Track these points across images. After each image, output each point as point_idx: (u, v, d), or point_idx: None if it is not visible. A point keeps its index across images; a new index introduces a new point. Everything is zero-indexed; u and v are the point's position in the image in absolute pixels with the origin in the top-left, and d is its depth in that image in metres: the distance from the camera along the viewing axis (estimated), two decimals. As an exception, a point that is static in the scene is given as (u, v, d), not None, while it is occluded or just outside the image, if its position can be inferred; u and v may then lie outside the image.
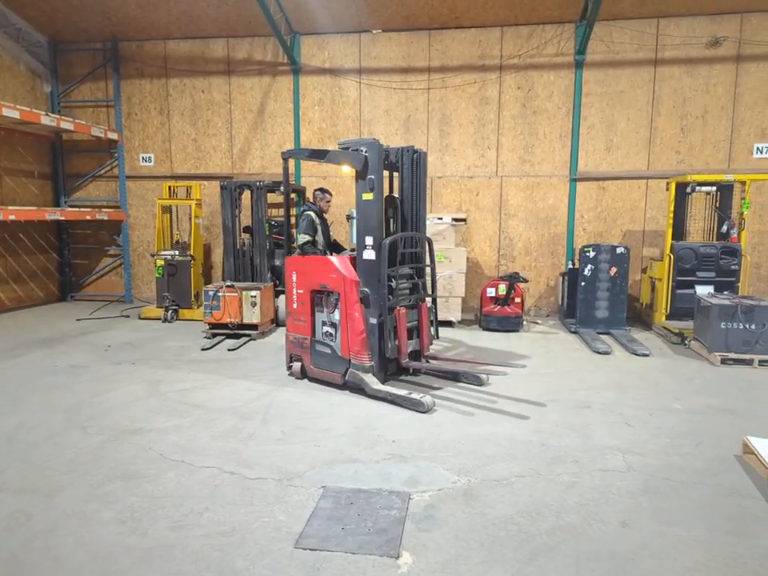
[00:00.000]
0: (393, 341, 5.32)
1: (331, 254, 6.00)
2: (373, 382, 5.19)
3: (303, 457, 3.94)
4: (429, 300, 5.78)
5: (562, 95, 9.14)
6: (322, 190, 6.34)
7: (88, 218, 9.70)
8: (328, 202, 6.38)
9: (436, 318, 5.74)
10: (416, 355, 5.71)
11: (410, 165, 5.55)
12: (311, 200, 6.43)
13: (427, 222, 8.26)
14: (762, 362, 6.30)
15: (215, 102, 10.03)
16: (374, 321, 5.25)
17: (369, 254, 5.23)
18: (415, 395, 4.90)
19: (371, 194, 5.18)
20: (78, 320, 8.82)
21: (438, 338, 5.83)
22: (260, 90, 9.89)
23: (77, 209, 9.93)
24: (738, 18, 8.63)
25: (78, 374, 5.92)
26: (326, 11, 8.90)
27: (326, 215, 6.39)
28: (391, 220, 5.73)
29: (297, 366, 5.76)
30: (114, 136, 10.10)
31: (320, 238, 6.08)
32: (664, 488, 3.53)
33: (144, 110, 10.28)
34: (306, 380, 5.75)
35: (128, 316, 9.11)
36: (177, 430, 4.44)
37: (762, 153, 8.84)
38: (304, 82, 9.74)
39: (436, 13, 8.90)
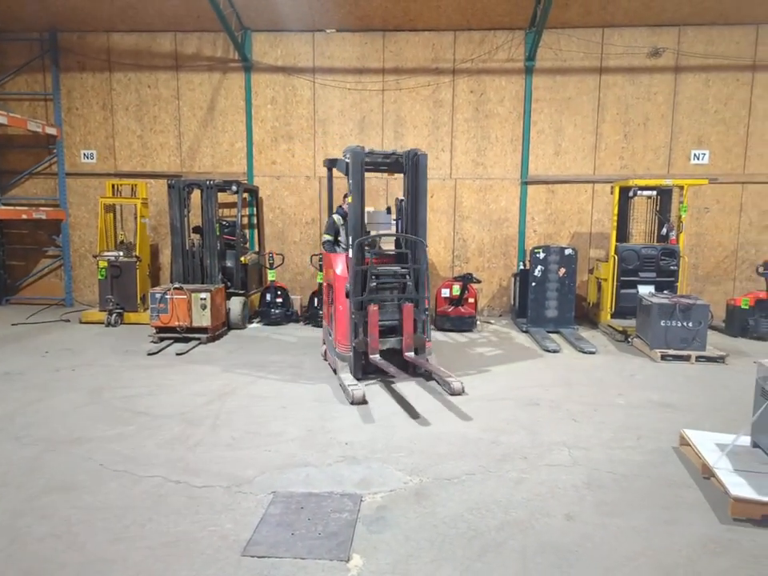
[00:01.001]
0: (361, 335, 5.52)
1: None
2: (343, 370, 5.55)
3: (253, 462, 3.86)
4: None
5: (513, 100, 9.34)
6: (346, 195, 6.33)
7: (24, 216, 9.16)
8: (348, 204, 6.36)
9: (428, 319, 5.77)
10: (396, 353, 5.67)
11: (411, 167, 5.82)
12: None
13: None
14: (698, 358, 6.61)
15: (162, 98, 9.72)
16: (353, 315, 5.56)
17: (350, 253, 5.61)
18: (353, 387, 5.09)
19: (350, 196, 5.61)
20: (13, 324, 8.36)
21: (429, 339, 5.78)
22: (210, 86, 9.65)
23: (12, 207, 9.38)
24: (676, 31, 9.05)
25: (12, 381, 5.61)
26: (278, 8, 8.78)
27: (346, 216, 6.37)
28: (399, 221, 6.42)
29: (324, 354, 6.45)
30: (52, 131, 9.62)
31: (343, 237, 6.37)
32: (607, 481, 3.64)
33: (86, 105, 9.86)
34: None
35: (68, 320, 8.69)
36: (119, 438, 4.26)
37: (698, 159, 9.30)
38: (256, 79, 9.57)
39: (390, 15, 8.93)
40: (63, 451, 4.02)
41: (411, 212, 5.88)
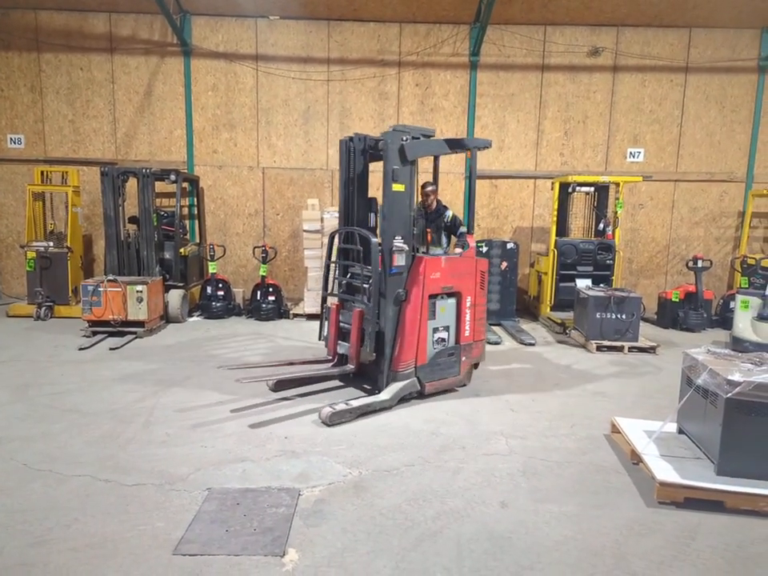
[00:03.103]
0: (322, 331, 5.38)
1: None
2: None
3: (188, 459, 3.74)
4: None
5: (458, 94, 9.43)
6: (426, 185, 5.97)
7: (-56, 203, 8.58)
8: (424, 194, 5.91)
9: (372, 329, 4.74)
10: (345, 360, 5.18)
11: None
12: None
13: (325, 216, 8.30)
14: (631, 349, 6.90)
15: (96, 81, 9.25)
16: None
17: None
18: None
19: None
20: (-69, 319, 7.81)
21: (371, 354, 4.79)
22: (147, 70, 9.26)
23: (-70, 193, 8.76)
24: (615, 31, 9.36)
25: (-74, 380, 5.24)
26: (219, -8, 8.52)
27: (429, 209, 5.98)
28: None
29: None
30: (-25, 113, 9.01)
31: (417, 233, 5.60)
32: (541, 468, 3.75)
33: (12, 86, 9.26)
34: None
35: (-6, 314, 8.20)
36: (45, 437, 4.05)
37: (634, 157, 9.68)
38: (196, 65, 9.25)
39: (335, 3, 8.82)
40: (-19, 453, 3.78)
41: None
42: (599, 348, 6.90)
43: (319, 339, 5.41)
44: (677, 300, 8.34)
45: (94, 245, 9.53)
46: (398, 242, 4.77)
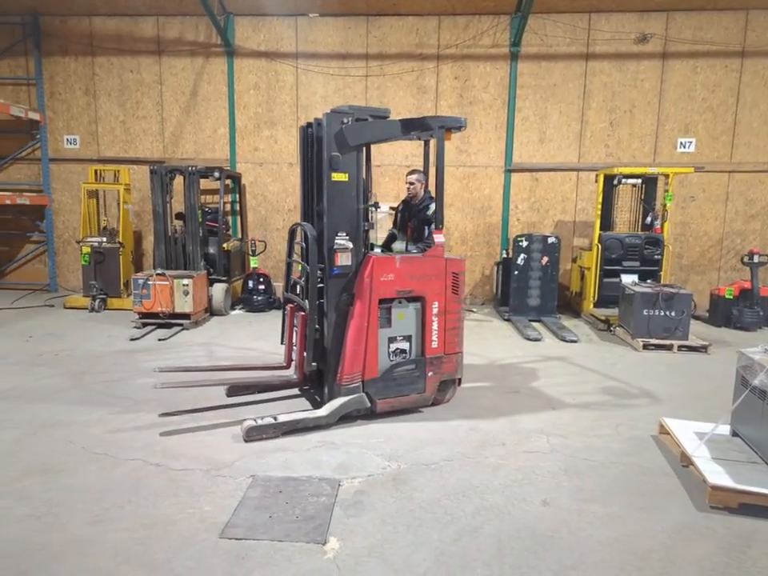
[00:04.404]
0: (283, 335, 4.89)
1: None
2: None
3: (232, 447, 3.87)
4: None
5: (498, 86, 9.29)
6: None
7: (8, 202, 9.05)
8: (408, 184, 5.16)
9: (311, 335, 4.32)
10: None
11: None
12: None
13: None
14: (681, 348, 6.65)
15: (145, 83, 9.58)
16: None
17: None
18: None
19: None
20: (-4, 310, 8.29)
21: (309, 364, 4.39)
22: (192, 71, 9.52)
23: (-6, 192, 9.29)
24: (664, 16, 9.02)
25: (-7, 367, 5.57)
26: (260, -8, 8.67)
27: (414, 201, 5.12)
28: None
29: None
30: (35, 116, 9.45)
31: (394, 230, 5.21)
32: (584, 468, 3.68)
33: (68, 90, 9.69)
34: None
35: (52, 305, 8.64)
36: (100, 422, 4.26)
37: (684, 147, 9.31)
38: (239, 64, 9.45)
39: (374, -1, 8.84)
40: (44, 434, 4.01)
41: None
42: (646, 346, 6.70)
43: (281, 343, 4.92)
44: (730, 297, 8.01)
45: (143, 240, 9.89)
46: (341, 239, 4.26)
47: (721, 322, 8.07)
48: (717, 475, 3.29)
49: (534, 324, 7.86)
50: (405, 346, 4.53)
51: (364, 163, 4.49)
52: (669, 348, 6.66)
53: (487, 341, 7.08)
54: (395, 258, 4.44)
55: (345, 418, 4.31)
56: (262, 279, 8.67)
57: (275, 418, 4.10)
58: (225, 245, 8.57)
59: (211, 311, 8.07)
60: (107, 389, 5.00)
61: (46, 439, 3.94)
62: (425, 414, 4.56)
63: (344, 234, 4.29)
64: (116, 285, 8.46)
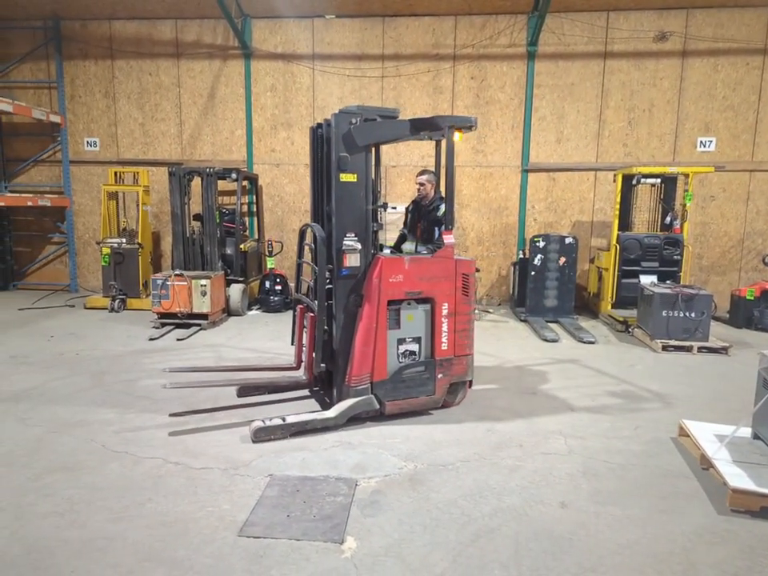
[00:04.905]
0: (294, 335, 4.91)
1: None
2: None
3: (250, 446, 3.90)
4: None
5: (515, 86, 9.25)
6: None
7: (30, 203, 9.24)
8: (417, 184, 5.21)
9: (319, 336, 4.33)
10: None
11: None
12: None
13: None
14: (701, 349, 6.57)
15: (163, 86, 9.70)
16: None
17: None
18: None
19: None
20: (20, 309, 8.43)
21: (319, 365, 4.39)
22: (210, 73, 9.62)
23: (18, 194, 9.46)
24: (684, 14, 8.91)
25: (17, 365, 5.68)
26: (277, -6, 8.72)
27: (424, 202, 5.16)
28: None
29: None
30: (56, 119, 9.63)
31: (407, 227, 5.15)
32: (602, 470, 3.65)
33: (88, 93, 9.85)
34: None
35: (73, 306, 8.78)
36: (121, 421, 4.32)
37: (704, 146, 9.18)
38: (256, 66, 9.52)
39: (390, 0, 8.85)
40: (66, 433, 4.08)
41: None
42: (665, 348, 6.62)
43: (291, 344, 4.94)
44: (752, 298, 7.88)
45: (162, 241, 10.01)
46: (350, 240, 4.25)
47: (741, 323, 7.95)
48: (738, 478, 3.25)
49: (550, 325, 7.81)
50: (414, 347, 4.50)
51: (373, 164, 4.47)
52: (688, 349, 6.58)
53: (503, 341, 7.05)
54: (404, 259, 4.41)
55: (353, 419, 4.29)
56: (278, 280, 8.73)
57: (283, 419, 4.10)
58: (242, 245, 8.64)
59: (228, 311, 8.14)
60: (127, 388, 5.07)
61: (67, 438, 4.01)
62: (441, 416, 4.55)
63: (352, 235, 4.27)
64: (135, 285, 8.58)
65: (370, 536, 2.89)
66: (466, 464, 3.70)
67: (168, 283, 7.31)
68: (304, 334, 4.69)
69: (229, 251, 8.52)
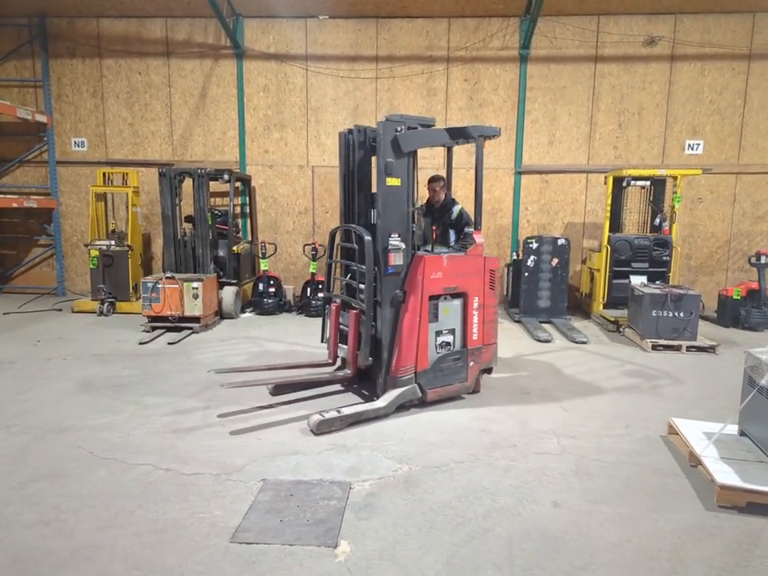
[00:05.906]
0: (324, 333, 5.20)
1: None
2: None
3: (243, 450, 3.86)
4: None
5: (508, 89, 9.28)
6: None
7: (15, 205, 9.08)
8: (431, 190, 5.54)
9: (367, 332, 4.57)
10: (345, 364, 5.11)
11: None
12: None
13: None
14: (689, 348, 6.64)
15: (153, 85, 9.62)
16: None
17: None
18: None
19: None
20: (5, 314, 8.31)
21: (366, 359, 4.62)
22: (201, 73, 9.55)
23: (3, 195, 9.30)
24: (672, 19, 9.00)
25: (3, 370, 5.59)
26: (269, -6, 8.69)
27: (436, 206, 5.54)
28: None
29: None
30: (42, 119, 9.50)
31: (418, 231, 5.21)
32: (594, 469, 3.67)
33: (76, 92, 9.74)
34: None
35: (60, 309, 8.65)
36: (109, 426, 4.26)
37: (693, 149, 9.28)
38: (248, 66, 9.47)
39: (383, 1, 8.84)
40: (53, 440, 4.01)
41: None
42: (655, 347, 6.68)
43: (322, 341, 5.23)
44: (738, 298, 7.98)
45: (152, 243, 9.92)
46: (395, 240, 4.47)
47: (729, 322, 8.04)
48: (725, 475, 3.30)
49: (544, 325, 7.84)
50: (449, 338, 4.83)
51: (412, 168, 4.69)
52: (677, 348, 6.65)
53: (498, 342, 7.04)
54: (443, 257, 4.71)
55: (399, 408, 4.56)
56: (272, 282, 8.67)
57: (339, 411, 4.30)
58: (235, 247, 8.58)
59: (221, 314, 8.08)
60: (116, 393, 5.00)
61: (54, 444, 3.94)
62: (433, 414, 4.56)
63: (396, 236, 4.52)
64: (125, 288, 8.48)
65: (364, 539, 2.87)
66: (460, 465, 3.69)
67: (159, 286, 7.24)
68: (339, 331, 4.98)
69: (221, 253, 8.46)
